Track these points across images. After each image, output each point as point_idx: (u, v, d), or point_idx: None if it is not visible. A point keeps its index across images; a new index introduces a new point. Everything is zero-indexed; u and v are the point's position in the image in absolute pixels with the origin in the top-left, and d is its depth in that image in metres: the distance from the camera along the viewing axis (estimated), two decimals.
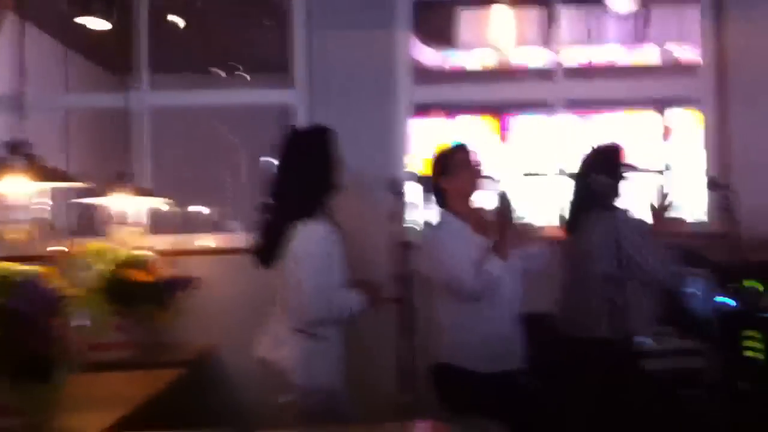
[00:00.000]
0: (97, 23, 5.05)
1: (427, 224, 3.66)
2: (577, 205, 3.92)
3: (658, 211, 3.78)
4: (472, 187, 3.64)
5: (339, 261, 3.17)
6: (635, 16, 7.04)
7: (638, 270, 3.58)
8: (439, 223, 3.63)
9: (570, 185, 4.03)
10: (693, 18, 5.28)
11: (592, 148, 4.00)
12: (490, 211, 3.53)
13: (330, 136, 3.28)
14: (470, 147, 3.70)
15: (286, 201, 3.20)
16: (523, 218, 3.60)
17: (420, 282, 3.46)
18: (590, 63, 7.45)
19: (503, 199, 3.44)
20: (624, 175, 3.85)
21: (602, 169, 3.80)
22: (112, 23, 5.10)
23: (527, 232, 3.62)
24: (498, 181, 3.80)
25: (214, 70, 7.85)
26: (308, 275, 3.07)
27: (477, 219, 3.61)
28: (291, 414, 3.12)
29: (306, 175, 3.18)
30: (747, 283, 3.81)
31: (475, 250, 3.46)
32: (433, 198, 3.68)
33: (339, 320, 3.19)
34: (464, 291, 3.39)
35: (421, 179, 3.73)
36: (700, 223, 4.96)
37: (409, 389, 3.14)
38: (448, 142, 3.77)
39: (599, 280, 3.64)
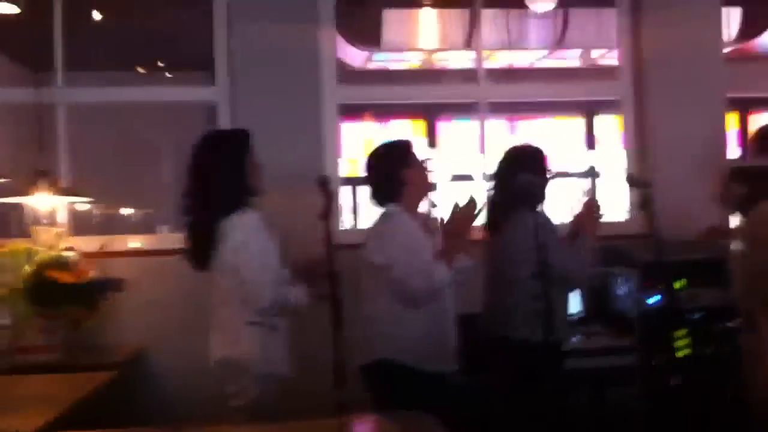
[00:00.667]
0: (4, 7, 4.81)
1: (382, 215, 3.54)
2: (499, 206, 3.85)
3: (587, 214, 3.78)
4: (430, 184, 3.63)
5: (274, 249, 3.24)
6: (555, 19, 7.18)
7: (555, 272, 3.53)
8: (392, 216, 3.51)
9: (489, 185, 4.00)
10: (611, 21, 5.42)
11: (513, 148, 3.98)
12: (438, 215, 3.54)
13: (243, 139, 3.34)
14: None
15: (207, 201, 3.23)
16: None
17: (358, 271, 3.45)
18: (512, 66, 7.59)
19: (471, 202, 3.40)
20: (548, 177, 3.86)
21: (526, 169, 3.75)
22: (20, 7, 4.88)
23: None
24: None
25: (136, 68, 7.68)
26: (249, 264, 3.14)
27: (423, 220, 3.59)
28: (242, 408, 3.17)
29: (222, 177, 3.23)
30: (674, 282, 3.94)
31: (426, 252, 3.42)
32: (383, 190, 3.56)
33: (285, 305, 3.26)
34: (408, 294, 3.36)
35: (370, 172, 3.60)
36: (623, 223, 5.08)
37: (343, 385, 3.14)
38: (389, 139, 3.75)
39: (522, 281, 3.60)
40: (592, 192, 3.78)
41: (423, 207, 3.68)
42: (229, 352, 3.23)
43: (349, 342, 3.24)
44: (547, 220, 3.74)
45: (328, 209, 3.29)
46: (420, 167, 3.60)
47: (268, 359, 3.23)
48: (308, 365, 3.38)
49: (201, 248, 3.24)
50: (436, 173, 3.68)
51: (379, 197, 3.59)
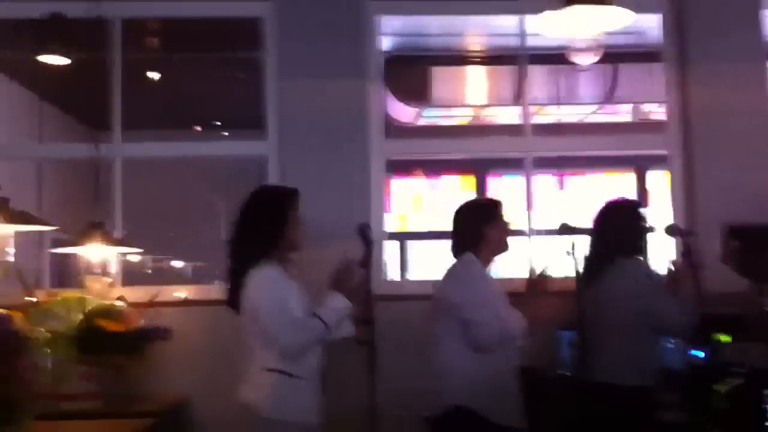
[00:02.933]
0: (56, 60, 5.01)
1: (460, 260, 3.64)
2: (597, 257, 3.87)
3: (686, 265, 3.79)
4: (508, 244, 3.71)
5: (296, 299, 3.29)
6: (605, 74, 7.20)
7: (659, 322, 3.65)
8: (471, 262, 3.62)
9: (584, 240, 3.94)
10: (661, 75, 5.41)
11: (610, 201, 4.04)
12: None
13: (286, 195, 3.45)
14: None
15: (240, 248, 3.37)
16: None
17: (398, 323, 3.48)
18: (561, 121, 7.60)
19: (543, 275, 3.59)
20: (645, 229, 3.94)
21: (625, 221, 3.89)
22: (74, 68, 5.08)
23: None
24: None
25: (190, 126, 7.91)
26: (265, 315, 3.22)
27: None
28: None
29: (257, 227, 3.36)
30: (716, 336, 3.85)
31: (500, 301, 3.55)
32: (462, 243, 3.66)
33: (312, 344, 3.28)
34: (483, 338, 3.42)
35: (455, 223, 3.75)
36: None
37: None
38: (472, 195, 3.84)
39: (628, 327, 3.68)
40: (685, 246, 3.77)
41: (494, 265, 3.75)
42: (248, 398, 3.28)
43: (385, 390, 3.26)
44: (649, 269, 3.84)
45: (368, 256, 3.35)
46: (502, 226, 3.69)
47: (287, 406, 3.23)
48: (342, 412, 3.40)
49: (234, 295, 3.34)
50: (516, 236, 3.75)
51: (457, 248, 3.69)
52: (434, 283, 3.69)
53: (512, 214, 3.89)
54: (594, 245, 3.91)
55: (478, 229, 3.63)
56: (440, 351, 3.55)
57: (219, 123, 8.07)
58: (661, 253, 4.13)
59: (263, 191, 3.64)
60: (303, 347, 3.26)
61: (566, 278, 3.62)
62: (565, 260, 3.64)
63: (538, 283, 3.65)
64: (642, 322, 3.68)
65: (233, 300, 3.35)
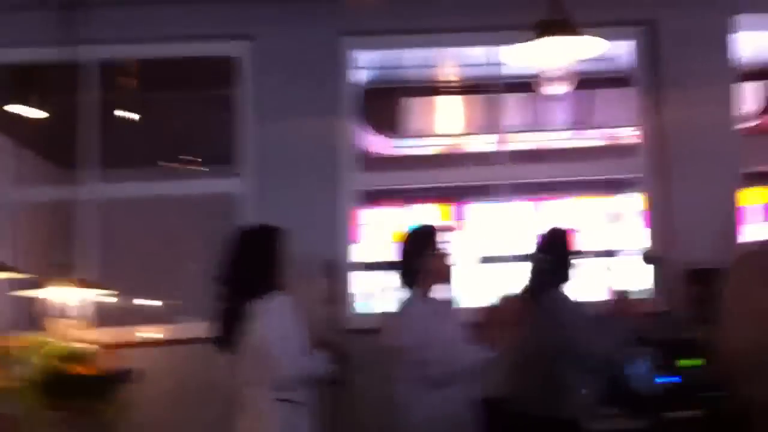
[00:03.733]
0: (31, 112, 5.03)
1: (399, 301, 3.61)
2: (530, 287, 3.92)
3: (620, 294, 3.80)
4: (446, 272, 3.66)
5: (300, 327, 3.36)
6: (579, 100, 7.22)
7: (577, 354, 3.61)
8: (406, 301, 3.58)
9: (526, 267, 4.04)
10: (634, 100, 5.42)
11: (546, 230, 4.05)
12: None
13: (276, 233, 3.53)
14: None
15: (240, 288, 3.42)
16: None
17: (371, 355, 3.49)
18: (536, 147, 7.60)
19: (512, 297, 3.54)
20: (571, 258, 3.89)
21: (550, 251, 3.87)
22: (48, 113, 5.09)
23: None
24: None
25: (165, 163, 7.88)
26: (275, 344, 3.28)
27: (436, 306, 3.63)
28: None
29: (254, 269, 3.45)
30: (686, 361, 3.83)
31: (453, 331, 3.51)
32: (404, 276, 3.63)
33: (311, 380, 3.38)
34: (444, 377, 3.38)
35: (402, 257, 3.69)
36: (644, 301, 4.97)
37: None
38: (411, 224, 3.81)
39: (547, 360, 3.67)
40: (621, 272, 3.75)
41: (443, 292, 3.69)
42: (256, 430, 3.33)
43: (362, 425, 3.23)
44: (569, 302, 3.77)
45: (334, 293, 3.34)
46: (437, 255, 3.62)
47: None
48: None
49: (231, 331, 3.39)
50: (455, 259, 3.68)
51: (402, 281, 3.65)
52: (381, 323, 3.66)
53: (490, 241, 3.87)
54: (530, 276, 3.93)
55: (413, 261, 3.59)
56: (396, 390, 3.49)
57: (193, 159, 8.03)
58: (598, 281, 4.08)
59: (255, 229, 3.69)
60: (302, 380, 3.34)
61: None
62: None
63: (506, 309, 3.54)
64: (562, 354, 3.65)
65: (227, 338, 3.38)
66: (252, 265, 3.46)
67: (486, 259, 6.89)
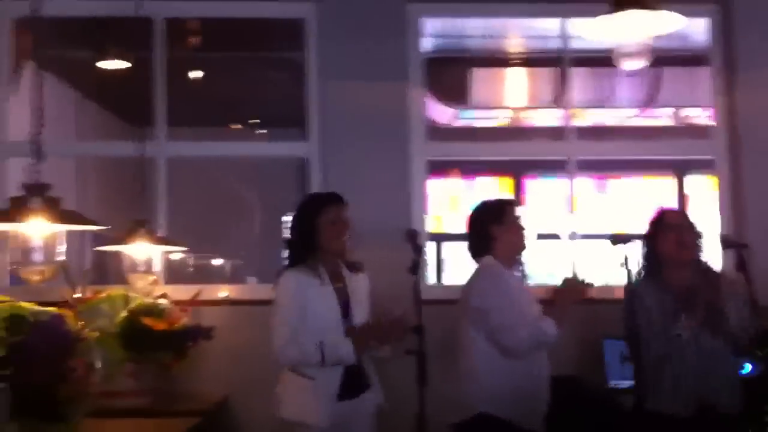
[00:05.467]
0: (116, 65, 5.11)
1: (480, 266, 3.59)
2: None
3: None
4: (523, 243, 3.65)
5: (317, 309, 3.39)
6: (647, 78, 7.11)
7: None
8: (491, 267, 3.56)
9: (633, 248, 3.65)
10: (705, 80, 5.34)
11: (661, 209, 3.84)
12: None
13: (312, 204, 3.56)
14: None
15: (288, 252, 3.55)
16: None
17: (443, 327, 3.48)
18: (602, 124, 7.53)
19: (580, 282, 3.47)
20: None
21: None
22: (131, 63, 5.15)
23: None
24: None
25: (232, 125, 7.95)
26: (275, 322, 3.39)
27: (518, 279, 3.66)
28: None
29: (292, 235, 3.53)
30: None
31: (528, 304, 3.48)
32: (475, 246, 3.63)
33: (311, 364, 3.35)
34: (513, 342, 3.35)
35: (468, 227, 3.69)
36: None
37: None
38: (477, 196, 3.80)
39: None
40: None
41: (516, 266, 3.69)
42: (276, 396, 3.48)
43: (436, 398, 3.23)
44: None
45: (417, 263, 3.33)
46: (515, 225, 3.62)
47: (290, 405, 3.41)
48: (393, 421, 3.38)
49: None
50: (528, 233, 3.66)
51: (473, 252, 3.65)
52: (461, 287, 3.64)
53: (543, 216, 3.82)
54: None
55: (487, 231, 3.58)
56: (467, 356, 3.50)
57: (256, 121, 8.08)
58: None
59: (302, 200, 3.70)
60: (291, 362, 3.41)
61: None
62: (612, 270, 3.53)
63: (571, 290, 3.49)
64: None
65: None
66: (291, 234, 3.54)
67: (545, 235, 6.88)
